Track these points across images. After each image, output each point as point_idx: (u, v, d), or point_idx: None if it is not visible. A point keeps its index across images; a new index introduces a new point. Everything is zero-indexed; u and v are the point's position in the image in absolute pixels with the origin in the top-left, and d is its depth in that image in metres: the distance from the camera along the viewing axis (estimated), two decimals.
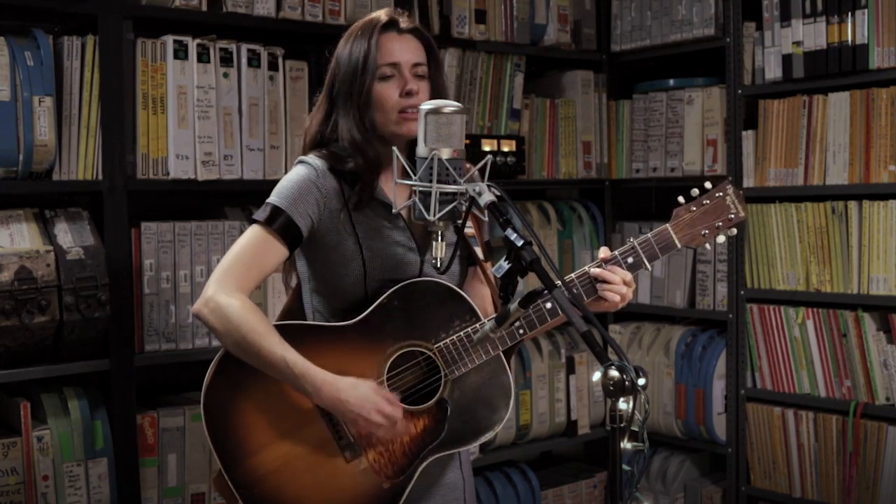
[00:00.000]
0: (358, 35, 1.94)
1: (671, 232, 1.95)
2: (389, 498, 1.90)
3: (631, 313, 3.89)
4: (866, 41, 3.09)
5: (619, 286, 1.91)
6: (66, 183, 2.62)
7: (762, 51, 3.38)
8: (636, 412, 1.47)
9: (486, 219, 1.74)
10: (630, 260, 1.94)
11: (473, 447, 2.15)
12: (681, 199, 1.96)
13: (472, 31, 3.38)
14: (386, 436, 1.87)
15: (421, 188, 1.74)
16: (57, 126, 2.57)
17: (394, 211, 1.82)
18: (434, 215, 1.72)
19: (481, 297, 2.03)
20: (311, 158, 1.94)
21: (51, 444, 2.56)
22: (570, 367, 3.67)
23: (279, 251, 1.89)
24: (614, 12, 3.80)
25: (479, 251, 2.01)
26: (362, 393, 1.83)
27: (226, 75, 2.82)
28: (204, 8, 2.80)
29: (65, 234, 2.57)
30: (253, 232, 1.89)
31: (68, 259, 2.51)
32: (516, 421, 3.51)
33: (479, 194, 1.69)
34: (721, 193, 1.96)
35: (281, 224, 1.87)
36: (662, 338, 3.73)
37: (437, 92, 1.97)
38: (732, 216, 1.97)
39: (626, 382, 1.45)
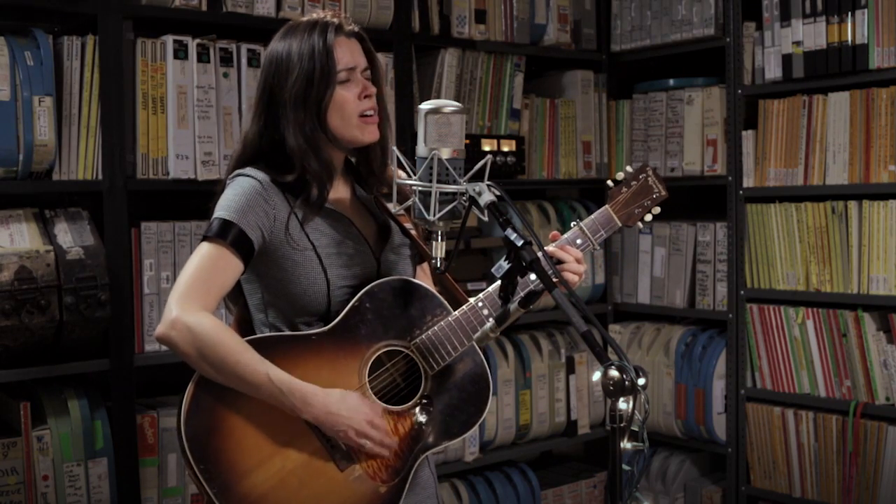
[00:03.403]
0: (304, 37, 1.89)
1: (611, 212, 2.10)
2: (388, 501, 1.88)
3: (631, 313, 3.89)
4: (866, 41, 3.09)
5: (573, 265, 1.97)
6: (66, 183, 2.62)
7: (762, 51, 3.38)
8: (636, 412, 1.47)
9: (486, 219, 1.73)
10: (579, 241, 2.04)
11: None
12: (610, 182, 2.15)
13: (472, 31, 3.38)
14: (374, 448, 1.84)
15: (421, 188, 1.74)
16: (57, 126, 2.57)
17: (394, 211, 1.82)
18: (434, 215, 1.73)
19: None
20: (252, 171, 1.89)
21: (51, 444, 2.56)
22: (570, 367, 3.67)
23: (235, 265, 1.82)
24: (614, 12, 3.80)
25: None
26: (353, 404, 1.81)
27: (226, 75, 2.82)
28: (204, 8, 2.80)
29: (65, 234, 2.57)
30: (205, 249, 1.82)
31: (68, 259, 2.51)
32: (516, 421, 3.51)
33: (479, 194, 1.69)
34: (644, 175, 2.15)
35: (234, 237, 1.81)
36: (662, 338, 3.73)
37: (379, 95, 1.96)
38: (656, 195, 2.15)
39: (626, 382, 1.45)
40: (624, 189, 2.13)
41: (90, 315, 2.53)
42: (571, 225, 2.06)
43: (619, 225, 2.10)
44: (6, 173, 2.52)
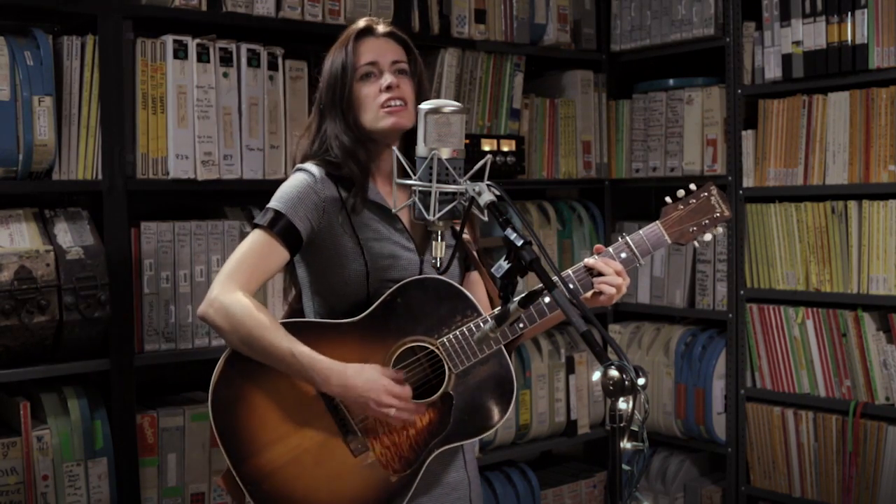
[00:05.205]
0: (338, 47, 2.02)
1: (661, 228, 2.04)
2: (397, 491, 1.93)
3: (631, 313, 3.89)
4: (866, 41, 3.09)
5: (613, 277, 1.97)
6: (65, 183, 2.62)
7: (762, 50, 3.38)
8: (636, 412, 1.47)
9: (486, 218, 1.74)
10: (623, 255, 2.01)
11: (479, 439, 2.19)
12: (668, 199, 2.07)
13: (471, 31, 3.38)
14: (398, 417, 1.88)
15: (421, 188, 1.74)
16: (57, 126, 2.57)
17: (394, 211, 1.82)
18: (434, 215, 1.73)
19: (478, 300, 2.05)
20: (309, 165, 2.00)
21: (51, 443, 2.56)
22: (570, 367, 3.67)
23: (281, 254, 1.94)
24: (614, 12, 3.80)
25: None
26: (370, 376, 1.87)
27: (226, 75, 2.81)
28: (204, 8, 2.80)
29: (65, 233, 2.57)
30: (255, 236, 1.94)
31: (68, 259, 2.51)
32: (516, 421, 3.51)
33: (479, 194, 1.69)
34: (706, 193, 2.07)
35: (282, 227, 1.92)
36: (662, 338, 3.73)
37: (420, 88, 2.03)
38: (717, 215, 2.07)
39: (626, 382, 1.45)
40: (680, 206, 2.05)
41: (90, 315, 2.53)
42: (619, 238, 2.03)
43: (669, 242, 2.04)
44: (6, 173, 2.52)
